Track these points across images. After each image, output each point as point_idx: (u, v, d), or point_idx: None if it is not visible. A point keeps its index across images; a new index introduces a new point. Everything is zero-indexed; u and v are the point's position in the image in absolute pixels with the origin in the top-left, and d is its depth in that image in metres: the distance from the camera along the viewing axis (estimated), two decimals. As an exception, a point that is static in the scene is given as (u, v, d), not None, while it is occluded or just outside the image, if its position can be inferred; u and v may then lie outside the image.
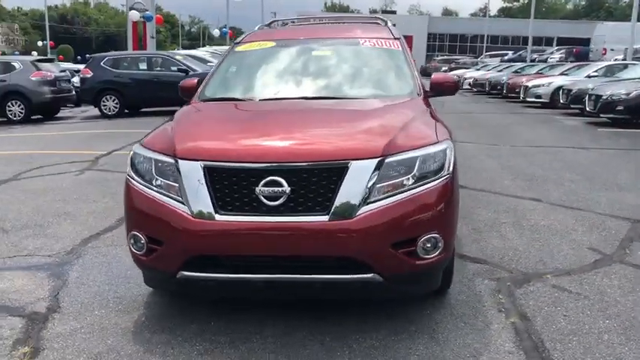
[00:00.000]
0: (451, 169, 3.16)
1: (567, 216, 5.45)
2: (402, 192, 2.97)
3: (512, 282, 3.87)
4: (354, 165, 2.92)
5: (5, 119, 15.08)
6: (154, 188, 3.12)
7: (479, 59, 43.95)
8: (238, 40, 4.90)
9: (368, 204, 2.89)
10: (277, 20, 5.66)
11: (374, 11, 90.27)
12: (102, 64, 15.94)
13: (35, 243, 4.81)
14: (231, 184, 2.96)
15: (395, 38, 4.55)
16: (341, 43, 4.61)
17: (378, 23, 5.22)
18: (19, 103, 15.21)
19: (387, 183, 2.95)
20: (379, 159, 2.96)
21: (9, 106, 15.19)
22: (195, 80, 4.45)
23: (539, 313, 3.40)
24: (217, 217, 2.92)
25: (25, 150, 10.02)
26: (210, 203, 2.94)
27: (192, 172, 3.01)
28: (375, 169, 2.93)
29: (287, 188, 2.89)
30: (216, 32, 45.78)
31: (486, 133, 11.59)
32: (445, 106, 18.28)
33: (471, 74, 29.15)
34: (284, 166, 2.93)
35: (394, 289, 3.15)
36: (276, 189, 2.89)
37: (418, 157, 3.06)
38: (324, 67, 4.40)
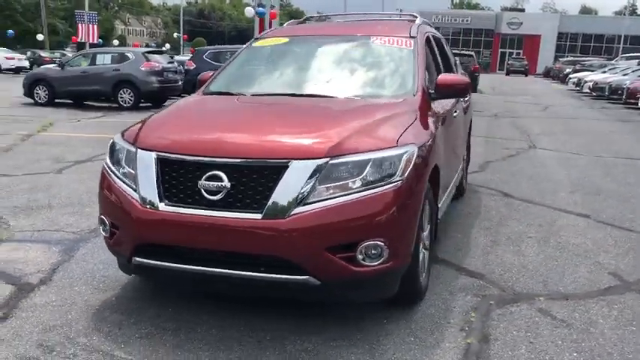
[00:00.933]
0: (406, 175, 3.00)
1: (608, 236, 4.96)
2: (344, 195, 2.88)
3: (497, 301, 3.60)
4: (294, 165, 2.88)
5: (117, 105, 16.32)
6: (120, 176, 3.27)
7: (613, 61, 40.75)
8: (260, 35, 4.97)
9: (305, 205, 2.84)
10: (314, 16, 5.65)
11: (505, 9, 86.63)
12: (204, 57, 16.79)
13: (68, 220, 5.20)
14: (177, 176, 3.04)
15: (410, 37, 4.38)
16: (351, 40, 4.51)
17: (410, 21, 5.04)
18: (129, 91, 16.39)
19: (330, 185, 2.87)
20: (322, 160, 2.89)
21: (121, 94, 16.44)
22: (211, 74, 4.58)
23: (504, 336, 3.14)
24: (161, 206, 3.01)
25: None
26: (157, 193, 3.03)
27: (147, 162, 3.12)
28: (316, 170, 2.86)
29: (227, 183, 2.91)
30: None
31: (576, 141, 10.77)
32: (550, 110, 17.28)
33: (592, 77, 27.10)
34: (225, 162, 2.96)
35: (337, 294, 3.07)
36: (216, 183, 2.92)
37: (370, 161, 2.95)
38: (325, 64, 4.35)
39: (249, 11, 26.99)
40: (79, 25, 41.56)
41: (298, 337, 3.10)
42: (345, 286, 3.01)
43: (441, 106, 4.19)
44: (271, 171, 2.89)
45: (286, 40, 4.65)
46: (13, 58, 33.52)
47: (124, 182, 3.20)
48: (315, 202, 2.85)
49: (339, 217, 2.87)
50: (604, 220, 5.45)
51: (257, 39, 4.88)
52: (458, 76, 4.09)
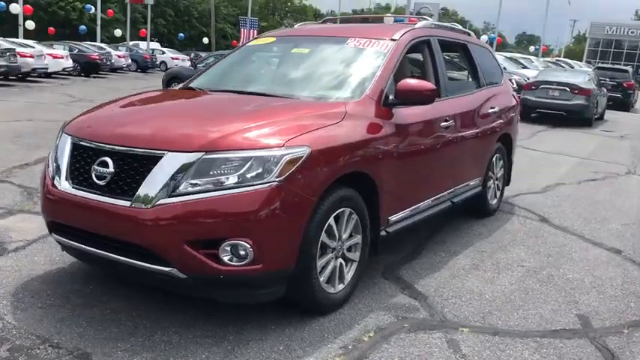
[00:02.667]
0: (285, 176, 2.90)
1: (622, 275, 4.30)
2: (215, 190, 2.85)
3: (413, 326, 3.30)
4: (168, 156, 2.91)
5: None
6: (49, 156, 3.53)
7: None
8: (261, 34, 5.03)
9: (171, 197, 2.86)
10: (330, 19, 5.57)
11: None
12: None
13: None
14: (80, 160, 3.22)
15: (391, 40, 4.16)
16: (327, 41, 4.41)
17: (412, 23, 4.78)
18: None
19: (202, 179, 2.86)
20: (196, 154, 2.89)
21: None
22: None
23: (381, 357, 2.89)
24: (63, 187, 3.20)
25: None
26: (65, 174, 3.23)
27: (64, 145, 3.35)
28: (188, 163, 2.87)
29: (111, 170, 3.02)
30: (483, 38, 44.57)
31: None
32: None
33: None
34: (111, 149, 3.08)
35: (204, 290, 3.04)
36: (104, 169, 3.05)
37: (247, 158, 2.89)
38: (290, 64, 4.31)
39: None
40: (242, 30, 44.52)
41: (172, 329, 3.12)
42: (212, 283, 2.97)
43: (409, 113, 3.94)
44: (148, 160, 2.95)
45: (273, 39, 4.67)
46: (177, 58, 36.82)
47: (48, 163, 3.45)
48: (182, 194, 2.85)
49: (203, 212, 2.85)
50: (635, 258, 4.72)
51: (255, 38, 4.95)
52: (421, 82, 3.79)
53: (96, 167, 3.08)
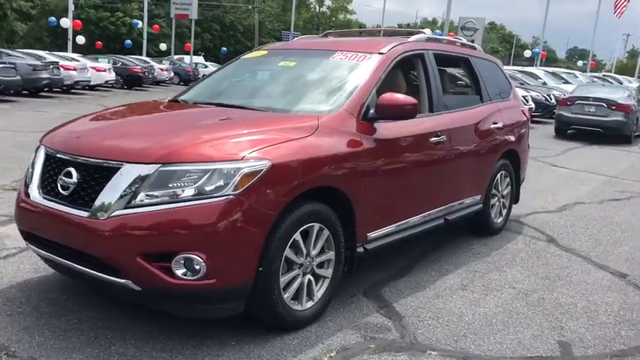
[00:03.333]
0: (241, 190, 2.86)
1: (619, 301, 4.07)
2: (170, 203, 2.84)
3: (379, 347, 3.20)
4: (125, 167, 2.92)
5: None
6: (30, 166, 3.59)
7: None
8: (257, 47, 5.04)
9: (127, 208, 2.86)
10: (331, 32, 5.53)
11: None
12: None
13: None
14: (50, 170, 3.26)
15: (379, 53, 4.10)
16: (314, 55, 4.37)
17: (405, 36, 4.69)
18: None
19: (158, 191, 2.86)
20: (153, 165, 2.88)
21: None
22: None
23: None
24: (32, 197, 3.26)
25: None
26: (37, 184, 3.28)
27: (39, 156, 3.41)
28: (145, 175, 2.87)
29: (75, 180, 3.05)
30: (527, 53, 43.75)
31: None
32: None
33: None
34: (74, 159, 3.11)
35: (161, 304, 3.02)
36: (68, 180, 3.09)
37: (203, 171, 2.88)
38: (274, 77, 4.30)
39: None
40: (284, 44, 45.03)
41: (131, 341, 3.11)
42: (168, 296, 2.94)
43: (393, 128, 3.86)
44: (107, 172, 2.97)
45: (265, 52, 4.67)
46: (218, 72, 37.51)
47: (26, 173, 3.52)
48: (138, 206, 2.85)
49: (156, 224, 2.84)
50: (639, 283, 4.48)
51: (251, 51, 4.96)
52: (401, 97, 3.70)
53: (62, 177, 3.12)
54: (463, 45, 5.32)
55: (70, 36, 29.70)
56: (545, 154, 11.41)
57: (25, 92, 18.70)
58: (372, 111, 3.72)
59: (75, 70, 21.18)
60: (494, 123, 5.15)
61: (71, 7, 30.02)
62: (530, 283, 4.31)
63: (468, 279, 4.32)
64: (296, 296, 3.30)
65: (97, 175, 3.00)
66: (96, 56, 27.93)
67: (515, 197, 5.85)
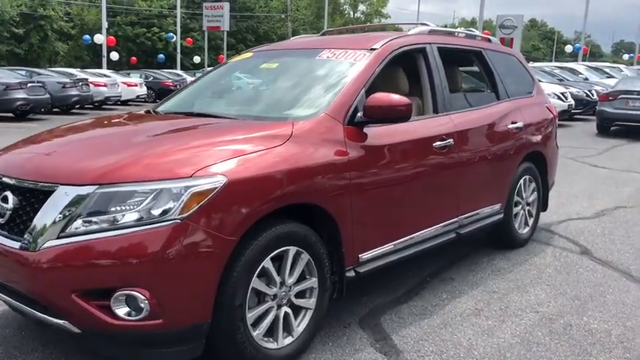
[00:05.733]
0: (191, 213, 2.44)
1: (663, 326, 3.46)
2: (109, 230, 2.43)
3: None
4: (59, 190, 2.54)
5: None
6: None
7: None
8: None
9: (60, 237, 2.46)
10: (329, 30, 5.07)
11: None
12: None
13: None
14: (-11, 195, 2.90)
15: (370, 49, 3.63)
16: (298, 55, 3.94)
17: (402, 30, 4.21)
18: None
19: (95, 217, 2.46)
20: (89, 187, 2.49)
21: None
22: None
23: None
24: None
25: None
26: None
27: None
28: (79, 198, 2.48)
29: (10, 206, 2.69)
30: (568, 48, 42.11)
31: None
32: None
33: None
34: (8, 182, 2.75)
35: (106, 347, 2.61)
36: (4, 205, 2.72)
37: (146, 192, 2.46)
38: (255, 80, 3.85)
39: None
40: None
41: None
42: (113, 339, 2.53)
43: (387, 133, 3.38)
44: (43, 195, 2.58)
45: (251, 54, 4.25)
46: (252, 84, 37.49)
47: None
48: (72, 235, 2.46)
49: (92, 255, 2.43)
50: (690, 302, 3.84)
51: (239, 54, 4.56)
52: (394, 97, 3.21)
53: (0, 203, 2.75)
54: (473, 37, 4.78)
55: (105, 52, 30.11)
56: (584, 154, 10.65)
57: (57, 110, 18.88)
58: (359, 114, 3.25)
59: (105, 86, 21.34)
60: (512, 122, 4.59)
61: (105, 24, 30.45)
62: (556, 306, 3.73)
63: (483, 302, 3.78)
64: (270, 333, 2.85)
65: (33, 200, 2.62)
66: (128, 72, 28.23)
67: (542, 204, 5.25)
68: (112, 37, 32.80)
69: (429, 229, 3.77)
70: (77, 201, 2.47)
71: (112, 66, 30.95)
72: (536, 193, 5.08)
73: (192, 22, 52.87)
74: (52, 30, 46.98)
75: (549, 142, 5.18)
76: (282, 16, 61.36)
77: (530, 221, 5.06)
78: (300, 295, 2.98)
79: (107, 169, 2.55)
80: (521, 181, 4.83)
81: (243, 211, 2.59)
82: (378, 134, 3.33)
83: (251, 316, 2.72)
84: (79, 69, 23.72)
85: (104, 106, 21.90)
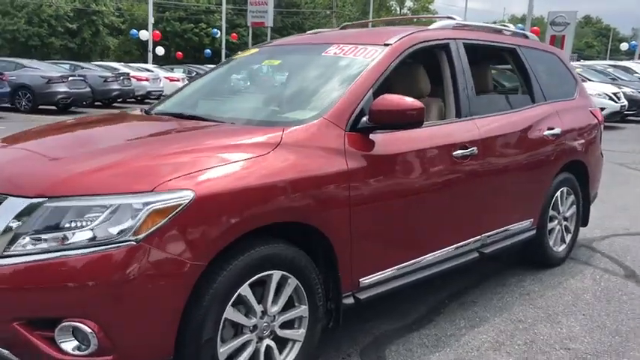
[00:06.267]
0: (145, 234, 2.11)
1: None
2: (55, 251, 2.13)
3: None
4: (8, 202, 2.24)
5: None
6: None
7: None
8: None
9: (2, 257, 2.17)
10: (349, 24, 4.66)
11: None
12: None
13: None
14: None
15: (384, 45, 3.23)
16: (304, 51, 3.56)
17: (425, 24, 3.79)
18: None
19: (44, 235, 2.15)
20: (37, 199, 2.19)
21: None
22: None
23: None
24: None
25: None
26: None
27: None
28: (26, 212, 2.18)
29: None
30: (623, 45, 40.12)
31: None
32: None
33: None
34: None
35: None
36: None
37: (101, 207, 2.15)
38: (252, 79, 3.59)
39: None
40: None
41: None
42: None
43: (397, 140, 2.98)
44: None
45: (256, 50, 3.89)
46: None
47: None
48: (15, 255, 2.16)
49: (36, 280, 2.12)
50: None
51: (246, 49, 4.22)
52: (404, 100, 2.80)
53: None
54: (504, 32, 4.30)
55: (150, 47, 30.38)
56: (635, 160, 9.89)
57: (99, 103, 19.08)
58: (364, 119, 2.86)
59: (147, 80, 21.47)
60: (549, 128, 4.10)
61: (151, 19, 30.71)
62: (592, 342, 3.25)
63: (506, 333, 3.33)
64: (249, 369, 2.50)
65: (-14, 213, 2.34)
66: (172, 66, 28.40)
67: (582, 219, 4.72)
68: (157, 32, 33.07)
69: (445, 249, 3.34)
70: (25, 215, 2.17)
71: (158, 61, 31.25)
72: (575, 206, 4.56)
73: (238, 17, 53.07)
74: (103, 25, 48.01)
75: (592, 151, 4.64)
76: (328, 12, 60.95)
77: (568, 238, 4.55)
78: (287, 325, 2.62)
79: (59, 178, 2.25)
80: (558, 193, 4.33)
81: (213, 231, 2.24)
82: (386, 141, 2.94)
83: (224, 350, 2.38)
84: (122, 63, 23.93)
85: (146, 100, 22.04)
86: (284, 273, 2.52)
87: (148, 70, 23.09)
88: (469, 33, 3.85)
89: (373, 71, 3.05)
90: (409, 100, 2.83)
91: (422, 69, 3.70)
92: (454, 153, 3.30)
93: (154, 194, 2.16)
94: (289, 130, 2.67)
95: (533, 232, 4.11)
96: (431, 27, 3.64)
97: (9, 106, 15.56)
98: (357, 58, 3.18)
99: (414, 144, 3.09)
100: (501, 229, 3.78)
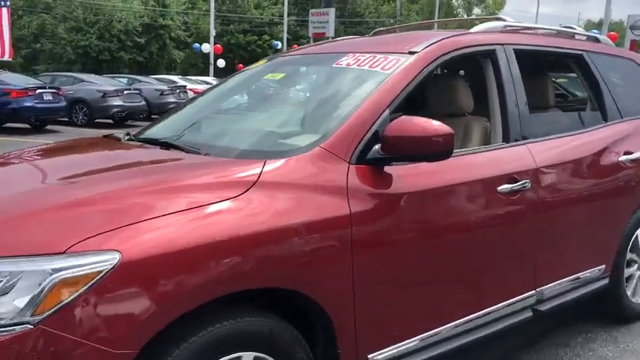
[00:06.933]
0: (47, 314, 1.57)
1: None
2: None
3: None
4: None
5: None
6: None
7: None
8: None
9: None
10: (383, 29, 4.01)
11: None
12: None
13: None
14: None
15: (409, 53, 2.57)
16: (314, 62, 2.98)
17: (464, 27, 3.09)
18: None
19: None
20: None
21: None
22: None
23: None
24: None
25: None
26: None
27: None
28: None
29: None
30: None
31: None
32: None
33: None
34: None
35: None
36: None
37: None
38: (250, 97, 2.93)
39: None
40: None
41: None
42: None
43: (422, 174, 2.33)
44: None
45: (264, 62, 3.30)
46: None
47: None
48: None
49: None
50: None
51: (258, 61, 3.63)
52: (427, 124, 2.13)
53: None
54: (572, 36, 3.54)
55: (212, 60, 30.64)
56: None
57: (155, 116, 19.14)
58: (377, 148, 2.21)
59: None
60: (626, 153, 3.30)
61: (212, 32, 31.06)
62: None
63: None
64: None
65: None
66: (232, 79, 28.45)
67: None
68: (219, 45, 33.39)
69: (484, 310, 2.63)
70: None
71: (220, 73, 31.38)
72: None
73: (301, 29, 53.09)
74: (170, 38, 49.03)
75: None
76: (392, 21, 60.12)
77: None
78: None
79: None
80: (638, 232, 3.51)
81: (148, 307, 1.66)
82: (407, 176, 2.29)
83: None
84: (180, 76, 24.08)
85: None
86: (257, 355, 1.91)
87: (207, 83, 23.09)
88: (522, 37, 3.13)
89: (392, 86, 2.40)
90: (435, 124, 2.17)
91: (462, 81, 3.03)
92: (499, 188, 2.59)
93: (64, 258, 1.60)
94: (272, 164, 2.06)
95: (606, 280, 3.31)
96: (473, 30, 2.95)
97: (66, 120, 15.74)
98: (373, 70, 2.54)
99: (444, 178, 2.42)
100: (563, 280, 3.02)
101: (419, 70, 2.51)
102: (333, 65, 2.71)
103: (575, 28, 3.69)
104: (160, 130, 2.97)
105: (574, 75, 3.97)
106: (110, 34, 44.34)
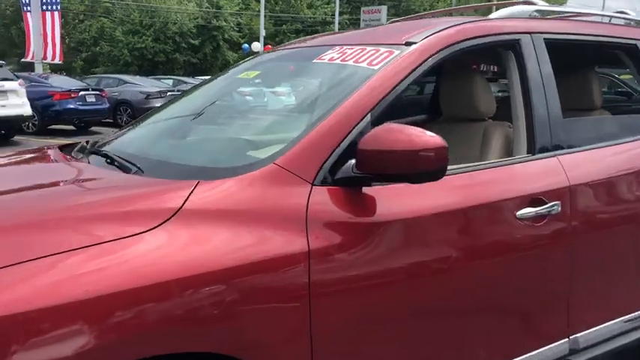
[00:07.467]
0: None
1: None
2: None
3: None
4: None
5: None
6: None
7: None
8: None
9: None
10: (397, 20, 3.49)
11: None
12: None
13: None
14: None
15: (404, 44, 2.08)
16: (293, 57, 2.52)
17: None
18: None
19: None
20: None
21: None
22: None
23: None
24: None
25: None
26: None
27: None
28: None
29: None
30: None
31: None
32: None
33: None
34: None
35: None
36: None
37: None
38: (219, 99, 2.45)
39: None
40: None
41: None
42: None
43: (413, 195, 1.84)
44: None
45: (251, 58, 2.86)
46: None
47: None
48: None
49: None
50: None
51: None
52: (416, 133, 1.65)
53: None
54: (620, 22, 2.94)
55: (261, 60, 30.59)
56: None
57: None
58: (351, 163, 1.73)
59: (249, 95, 21.30)
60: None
61: (262, 32, 31.01)
62: None
63: None
64: None
65: None
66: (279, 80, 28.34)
67: None
68: (269, 45, 33.28)
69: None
70: None
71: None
72: None
73: (355, 27, 52.70)
74: (223, 40, 49.53)
75: None
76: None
77: None
78: None
79: None
80: None
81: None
82: (390, 199, 1.79)
83: None
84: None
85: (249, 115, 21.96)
86: None
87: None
88: (556, 24, 2.56)
89: (378, 86, 1.91)
90: (426, 135, 1.67)
91: (480, 79, 2.49)
92: (519, 213, 2.05)
93: None
94: (204, 186, 1.61)
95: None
96: (492, 16, 2.41)
97: (110, 121, 15.84)
98: (358, 66, 2.05)
99: (444, 200, 1.91)
100: (605, 324, 2.44)
101: (415, 65, 2.00)
102: (313, 61, 2.24)
103: (628, 13, 3.07)
104: (126, 140, 2.56)
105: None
106: (165, 35, 45.16)
